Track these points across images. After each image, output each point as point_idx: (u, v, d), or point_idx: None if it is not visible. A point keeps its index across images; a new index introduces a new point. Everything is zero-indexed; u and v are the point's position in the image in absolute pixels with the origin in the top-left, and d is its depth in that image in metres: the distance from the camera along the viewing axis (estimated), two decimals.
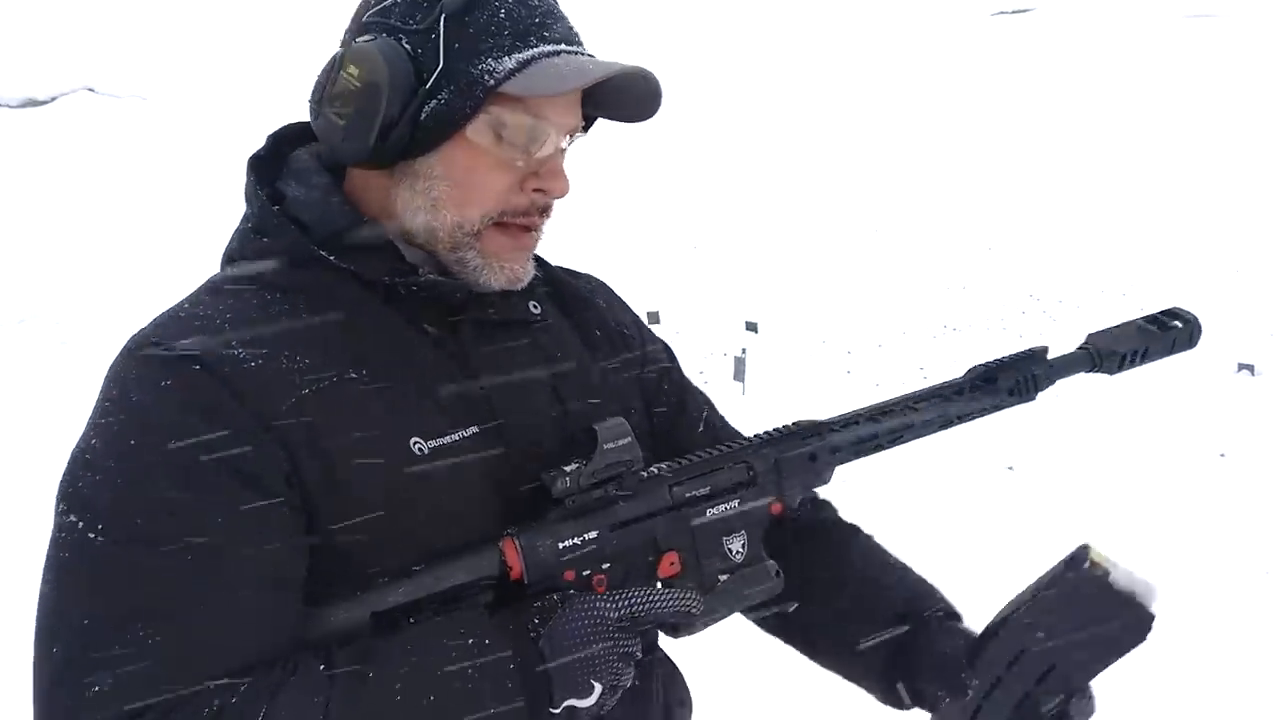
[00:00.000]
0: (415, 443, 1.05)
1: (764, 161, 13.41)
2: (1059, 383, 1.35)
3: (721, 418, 1.46)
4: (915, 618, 1.28)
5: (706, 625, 1.16)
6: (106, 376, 0.98)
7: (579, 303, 1.31)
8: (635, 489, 1.12)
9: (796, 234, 11.33)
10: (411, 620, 1.02)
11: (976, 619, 1.18)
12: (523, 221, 1.10)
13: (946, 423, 1.28)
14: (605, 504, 1.11)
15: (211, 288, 1.06)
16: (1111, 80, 13.75)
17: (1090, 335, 1.37)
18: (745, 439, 1.23)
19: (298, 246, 1.06)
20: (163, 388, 0.94)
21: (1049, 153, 12.84)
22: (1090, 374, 1.39)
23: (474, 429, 1.09)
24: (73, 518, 0.92)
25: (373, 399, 1.03)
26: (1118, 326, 1.40)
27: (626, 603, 1.06)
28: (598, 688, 1.03)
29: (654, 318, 10.13)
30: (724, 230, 11.84)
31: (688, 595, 1.10)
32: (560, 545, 1.07)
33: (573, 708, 1.04)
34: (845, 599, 1.33)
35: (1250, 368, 9.49)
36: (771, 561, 1.19)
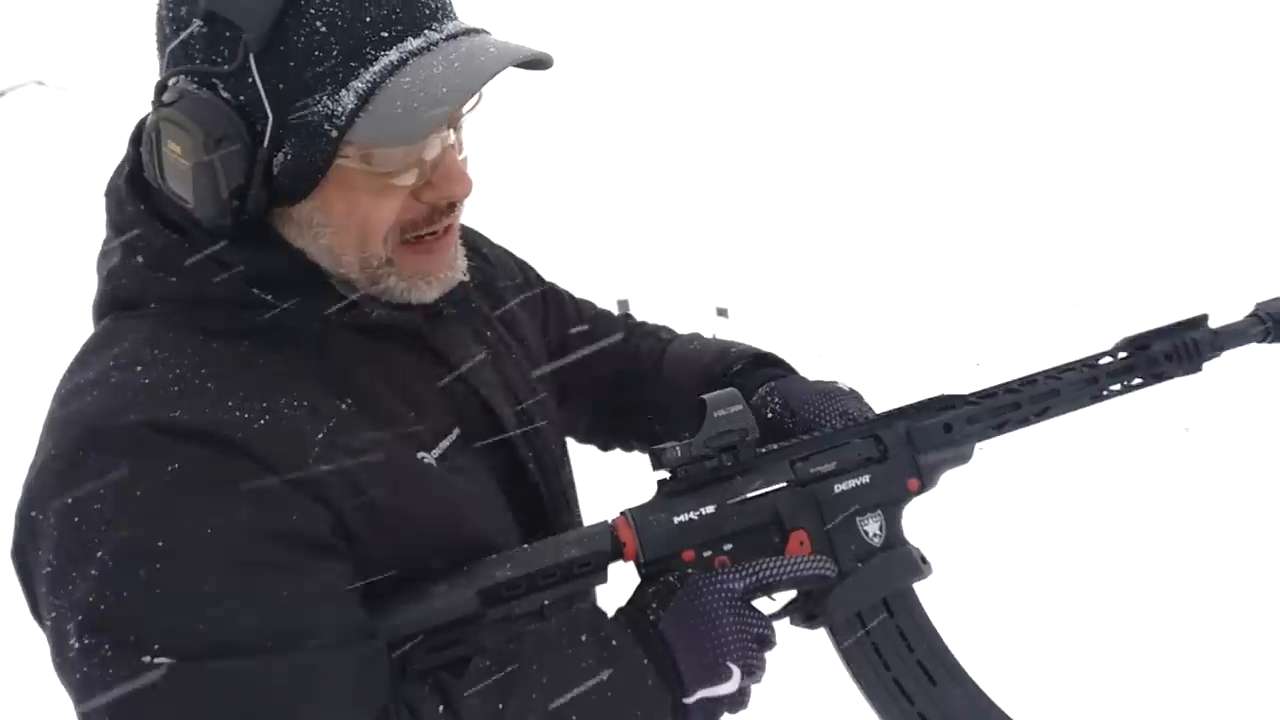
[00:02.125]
0: (422, 457, 0.98)
1: (733, 147, 13.42)
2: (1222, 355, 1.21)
3: (593, 305, 1.46)
4: (724, 367, 1.30)
5: (843, 614, 1.05)
6: (58, 469, 0.82)
7: (475, 254, 1.24)
8: (752, 462, 1.05)
9: (767, 219, 11.36)
10: (511, 599, 0.95)
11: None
12: (429, 231, 0.96)
13: (1099, 393, 1.17)
14: (720, 477, 1.03)
15: (154, 339, 0.89)
16: (1076, 68, 13.90)
17: (1259, 304, 1.27)
18: (872, 414, 1.14)
19: (226, 286, 0.91)
20: (175, 472, 0.80)
21: (1015, 139, 12.95)
22: (1266, 343, 1.27)
23: (456, 431, 1.03)
24: (110, 647, 0.76)
25: (372, 426, 0.95)
26: None
27: (752, 572, 0.97)
28: (735, 671, 0.94)
29: (624, 306, 10.11)
30: (694, 216, 11.84)
31: (819, 559, 1.01)
32: (676, 520, 1.00)
33: (714, 700, 0.94)
34: (671, 394, 1.31)
35: None
36: (915, 546, 1.09)
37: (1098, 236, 10.24)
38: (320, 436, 0.89)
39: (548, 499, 1.13)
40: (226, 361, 0.89)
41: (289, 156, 0.86)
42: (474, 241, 1.29)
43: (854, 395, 1.20)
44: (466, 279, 1.10)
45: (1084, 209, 10.54)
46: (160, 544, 0.78)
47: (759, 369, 1.31)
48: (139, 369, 0.86)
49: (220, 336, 0.91)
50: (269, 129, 0.84)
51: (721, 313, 11.32)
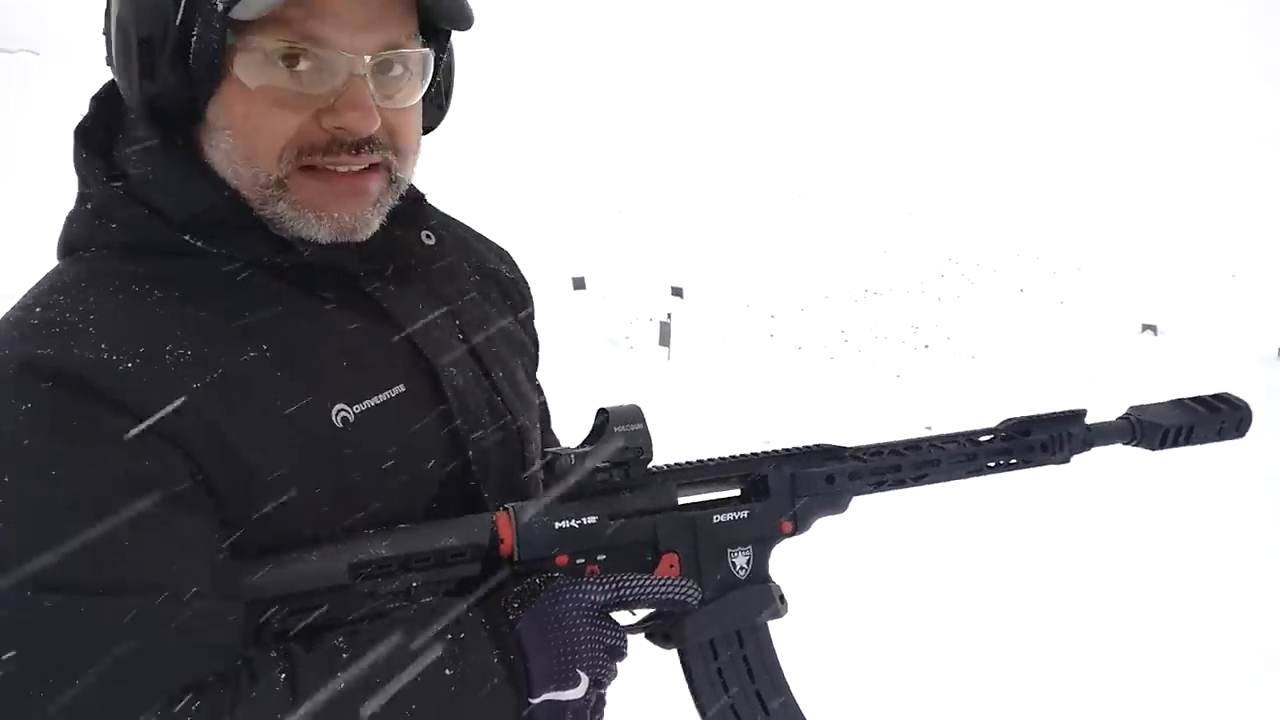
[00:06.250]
0: (339, 411, 0.96)
1: (690, 126, 13.41)
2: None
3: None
4: None
5: (697, 639, 1.09)
6: None
7: (471, 241, 1.24)
8: (641, 481, 1.08)
9: (721, 199, 11.39)
10: (381, 577, 0.95)
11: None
12: (328, 162, 0.94)
13: (976, 469, 1.24)
14: (608, 490, 1.07)
15: (68, 284, 0.92)
16: (1021, 46, 14.07)
17: (1132, 407, 1.34)
18: (755, 453, 1.19)
19: (157, 234, 0.94)
20: (26, 411, 0.82)
21: (966, 118, 13.11)
22: (1129, 446, 1.34)
23: (400, 388, 1.02)
24: None
25: (279, 376, 0.93)
26: (1163, 403, 1.36)
27: (614, 586, 1.00)
28: (584, 678, 0.96)
29: (579, 283, 10.07)
30: (649, 195, 11.83)
31: (683, 583, 1.04)
32: (556, 525, 1.03)
33: (557, 703, 0.96)
34: None
35: (1154, 328, 9.89)
36: (776, 584, 1.14)
37: (1052, 230, 10.42)
38: (196, 387, 0.88)
39: (483, 477, 1.10)
40: (126, 307, 0.90)
41: (195, 39, 0.89)
42: (486, 247, 1.30)
43: None
44: (430, 242, 1.12)
45: (1016, 199, 10.72)
46: (6, 480, 0.80)
47: None
48: (39, 309, 0.89)
49: (139, 282, 0.92)
50: (182, 7, 0.89)
51: (676, 292, 11.35)
